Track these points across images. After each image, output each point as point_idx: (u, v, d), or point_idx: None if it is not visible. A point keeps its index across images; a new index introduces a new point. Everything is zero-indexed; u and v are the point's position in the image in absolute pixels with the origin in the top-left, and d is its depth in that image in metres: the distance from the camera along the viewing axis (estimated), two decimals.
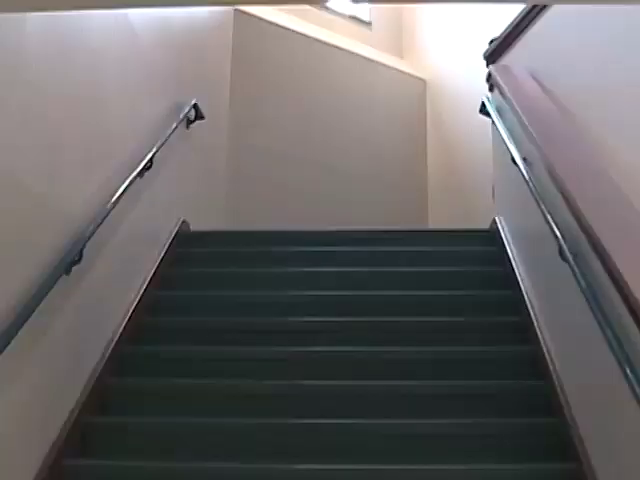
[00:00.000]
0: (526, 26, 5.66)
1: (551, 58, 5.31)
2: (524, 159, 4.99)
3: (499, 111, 5.93)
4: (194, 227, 6.50)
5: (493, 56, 6.29)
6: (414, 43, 10.46)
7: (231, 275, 5.60)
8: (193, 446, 4.00)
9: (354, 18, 10.12)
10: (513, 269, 5.38)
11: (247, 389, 4.40)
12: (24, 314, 3.45)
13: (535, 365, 4.48)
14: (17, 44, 3.55)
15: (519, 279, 5.22)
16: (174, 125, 6.04)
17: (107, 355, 4.59)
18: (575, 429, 3.83)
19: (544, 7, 5.28)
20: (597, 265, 3.36)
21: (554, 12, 5.20)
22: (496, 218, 6.16)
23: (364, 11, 10.28)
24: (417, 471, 3.80)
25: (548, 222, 4.16)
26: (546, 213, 4.24)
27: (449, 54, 9.38)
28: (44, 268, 3.78)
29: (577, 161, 4.23)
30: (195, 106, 6.65)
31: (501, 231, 5.94)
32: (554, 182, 4.12)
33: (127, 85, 5.17)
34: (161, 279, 5.54)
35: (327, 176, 8.58)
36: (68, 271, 3.98)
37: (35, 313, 3.52)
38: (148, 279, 5.41)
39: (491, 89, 6.24)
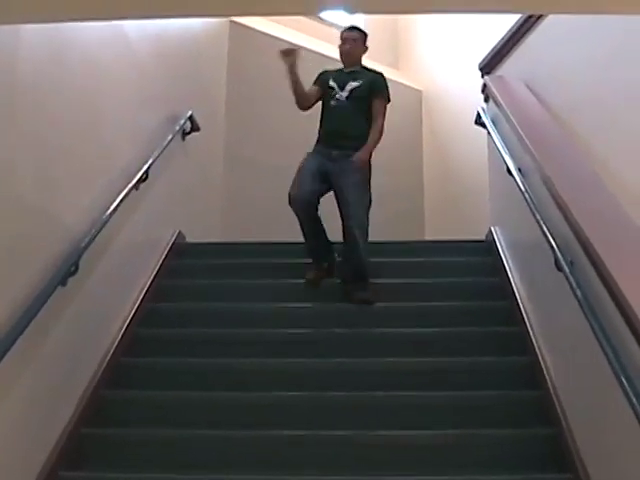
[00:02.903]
0: (521, 37, 5.69)
1: (546, 69, 5.33)
2: (519, 169, 5.00)
3: (494, 122, 5.95)
4: (190, 238, 6.49)
5: (488, 67, 6.31)
6: (410, 54, 10.49)
7: (227, 286, 5.60)
8: (190, 457, 4.00)
9: None
10: (509, 279, 5.38)
11: (244, 400, 4.41)
12: (21, 324, 3.46)
13: (531, 375, 4.48)
14: (12, 54, 3.55)
15: (515, 289, 5.22)
16: (170, 136, 6.05)
17: (103, 366, 4.59)
18: (572, 439, 3.83)
19: (538, 19, 5.31)
20: (593, 275, 3.37)
21: (548, 23, 5.22)
22: (492, 228, 6.17)
23: (359, 22, 10.26)
24: None
25: (544, 232, 4.16)
26: (541, 223, 4.25)
27: (445, 65, 9.41)
28: (40, 279, 3.78)
29: (572, 171, 4.24)
30: (191, 117, 6.65)
31: (497, 241, 5.94)
32: (549, 192, 4.13)
33: (123, 96, 5.17)
34: (157, 290, 5.54)
35: None
36: (64, 282, 3.99)
37: (32, 324, 3.53)
38: (144, 290, 5.41)
39: (486, 100, 6.26)
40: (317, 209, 5.41)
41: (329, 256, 5.57)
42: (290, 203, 5.37)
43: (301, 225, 5.40)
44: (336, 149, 5.51)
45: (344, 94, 5.63)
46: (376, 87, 5.67)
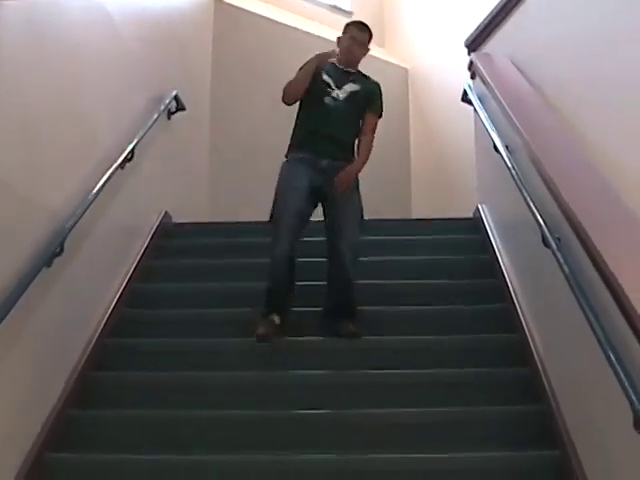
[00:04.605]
0: (508, 13, 5.66)
1: (532, 45, 5.31)
2: (506, 146, 4.99)
3: (481, 99, 5.92)
4: (176, 219, 6.47)
5: (475, 44, 6.28)
6: (396, 32, 10.45)
7: (214, 266, 5.58)
8: (175, 438, 3.99)
9: (335, 7, 10.11)
10: (496, 256, 5.38)
11: (230, 380, 4.40)
12: (6, 306, 3.44)
13: (519, 352, 4.48)
14: None
15: (502, 266, 5.22)
16: (155, 116, 6.01)
17: (90, 347, 4.57)
18: (560, 416, 3.83)
19: None
20: (580, 251, 3.36)
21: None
22: (479, 206, 6.16)
23: (345, 0, 10.27)
24: (408, 459, 3.81)
25: (531, 209, 4.16)
26: (529, 200, 4.24)
27: (431, 42, 9.38)
28: (25, 260, 3.75)
29: (559, 148, 4.22)
30: (176, 97, 6.61)
31: (484, 219, 5.94)
32: (536, 169, 4.12)
33: (107, 76, 5.13)
34: (143, 270, 5.52)
35: None
36: (49, 263, 3.96)
37: (17, 305, 3.51)
38: (131, 271, 5.39)
39: (473, 77, 6.23)
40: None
41: (285, 309, 4.75)
42: (275, 225, 4.77)
43: (273, 258, 4.70)
44: (326, 158, 4.82)
45: (342, 94, 4.90)
46: (373, 98, 5.01)
